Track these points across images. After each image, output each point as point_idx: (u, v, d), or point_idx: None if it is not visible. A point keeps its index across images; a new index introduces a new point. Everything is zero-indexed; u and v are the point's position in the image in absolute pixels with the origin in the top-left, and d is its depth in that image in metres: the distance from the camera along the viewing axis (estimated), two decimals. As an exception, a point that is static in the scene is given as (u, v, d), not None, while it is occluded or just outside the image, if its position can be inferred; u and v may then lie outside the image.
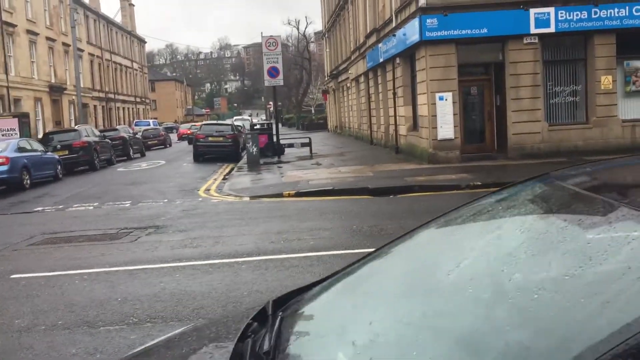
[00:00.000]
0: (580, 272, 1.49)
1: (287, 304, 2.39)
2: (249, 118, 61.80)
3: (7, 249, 9.30)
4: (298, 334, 2.09)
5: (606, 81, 17.42)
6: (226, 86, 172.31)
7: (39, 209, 14.14)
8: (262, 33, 24.88)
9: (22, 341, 5.26)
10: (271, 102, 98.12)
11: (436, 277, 1.97)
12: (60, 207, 14.20)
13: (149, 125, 52.01)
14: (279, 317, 2.22)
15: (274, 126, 26.31)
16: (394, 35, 20.83)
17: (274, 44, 23.73)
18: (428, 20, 17.14)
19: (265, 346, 1.93)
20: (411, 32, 18.32)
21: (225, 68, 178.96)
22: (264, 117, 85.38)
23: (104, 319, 5.71)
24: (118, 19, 61.84)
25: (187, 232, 9.89)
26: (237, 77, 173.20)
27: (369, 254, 2.50)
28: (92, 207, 13.83)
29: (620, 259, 1.46)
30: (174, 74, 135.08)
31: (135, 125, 54.81)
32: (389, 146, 23.99)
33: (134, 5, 69.37)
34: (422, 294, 1.95)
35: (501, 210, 2.17)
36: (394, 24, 21.18)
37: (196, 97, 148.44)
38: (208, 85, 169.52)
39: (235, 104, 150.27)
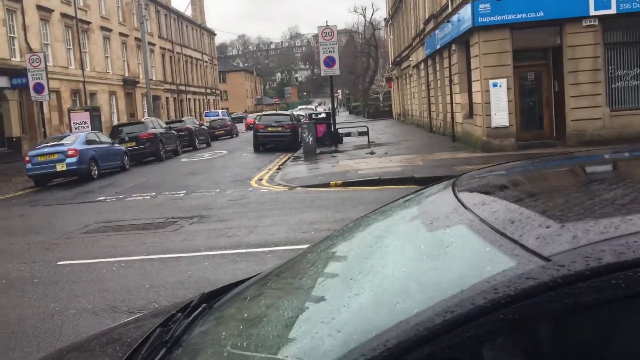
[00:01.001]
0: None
1: (217, 298, 2.58)
2: (313, 107, 62.13)
3: (62, 237, 10.01)
4: (206, 326, 2.28)
5: (673, 63, 16.48)
6: (296, 75, 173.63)
7: (101, 198, 15.01)
8: (327, 22, 25.03)
9: (53, 324, 5.74)
10: (339, 91, 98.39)
11: (318, 275, 2.11)
12: (121, 196, 15.01)
13: (217, 115, 53.54)
14: (200, 309, 2.42)
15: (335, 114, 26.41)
16: (449, 22, 20.50)
17: (330, 33, 23.83)
18: (481, 6, 16.77)
19: (168, 336, 2.14)
20: (464, 17, 17.98)
21: (295, 57, 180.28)
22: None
23: (129, 304, 6.13)
24: (188, 12, 63.66)
25: (227, 221, 10.29)
26: (307, 66, 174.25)
27: (301, 252, 2.66)
28: (148, 197, 14.54)
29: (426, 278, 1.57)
30: (246, 65, 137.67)
31: (205, 115, 56.66)
32: (447, 134, 23.68)
33: (203, -1, 71.20)
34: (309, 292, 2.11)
35: (393, 213, 2.28)
36: (449, 10, 20.85)
37: (267, 86, 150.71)
38: (279, 74, 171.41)
39: (305, 93, 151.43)
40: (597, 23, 16.60)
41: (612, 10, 16.37)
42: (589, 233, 1.42)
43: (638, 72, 17.04)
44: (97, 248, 8.93)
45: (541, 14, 16.59)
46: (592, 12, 16.48)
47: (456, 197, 2.01)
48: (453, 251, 1.65)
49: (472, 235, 1.63)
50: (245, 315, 2.23)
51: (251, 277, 2.68)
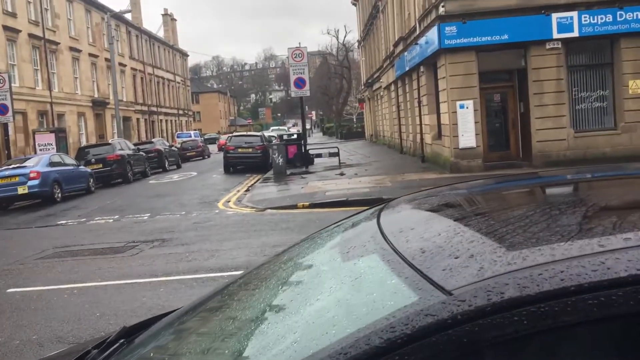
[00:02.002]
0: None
1: (139, 332, 2.42)
2: (286, 128, 62.22)
3: (16, 262, 9.68)
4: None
5: (634, 85, 16.84)
6: (271, 96, 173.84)
7: (63, 222, 14.64)
8: (299, 43, 25.12)
9: (-6, 355, 5.47)
10: (313, 112, 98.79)
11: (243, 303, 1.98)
12: (83, 220, 14.66)
13: (190, 136, 53.18)
14: (117, 344, 2.26)
15: (309, 135, 26.38)
16: (417, 44, 20.72)
17: (300, 55, 23.90)
18: (447, 28, 16.98)
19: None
20: (431, 40, 18.18)
21: (269, 78, 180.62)
22: (307, 126, 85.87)
23: (76, 334, 5.88)
24: (161, 34, 63.46)
25: (188, 245, 10.07)
26: (282, 87, 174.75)
27: (227, 281, 2.53)
28: (111, 220, 14.23)
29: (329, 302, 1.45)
30: (220, 86, 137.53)
31: (177, 137, 56.26)
32: (417, 155, 23.80)
33: (175, 20, 71.09)
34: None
35: (319, 240, 2.17)
36: (417, 32, 21.08)
37: (241, 107, 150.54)
38: (253, 95, 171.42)
39: (280, 114, 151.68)
40: (560, 46, 16.92)
41: (575, 34, 16.71)
42: (495, 264, 1.32)
43: (601, 94, 17.36)
44: (50, 274, 8.63)
45: (506, 36, 16.85)
46: (555, 35, 16.79)
47: (378, 224, 1.91)
48: (360, 284, 1.54)
49: (382, 266, 1.53)
50: (168, 350, 2.09)
51: (177, 310, 2.54)
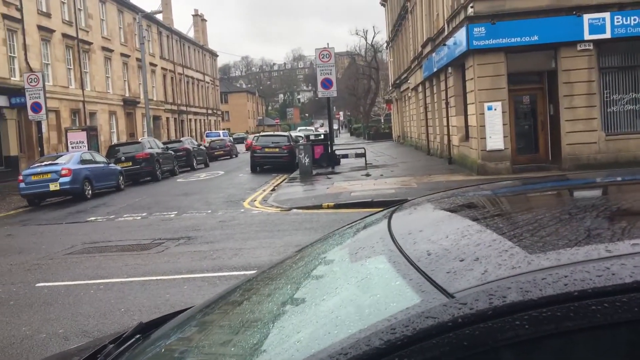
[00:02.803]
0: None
1: (154, 328, 2.47)
2: (313, 128, 62.30)
3: (45, 258, 9.90)
4: (135, 358, 2.17)
5: (668, 88, 16.45)
6: (299, 96, 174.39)
7: (92, 218, 14.91)
8: (327, 44, 25.15)
9: (21, 348, 5.61)
10: (341, 112, 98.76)
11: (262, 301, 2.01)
12: (111, 217, 14.91)
13: (218, 136, 53.72)
14: (133, 340, 2.30)
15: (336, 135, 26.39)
16: (445, 45, 20.56)
17: (327, 55, 23.91)
18: (475, 29, 16.81)
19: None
20: (460, 41, 18.03)
21: (298, 79, 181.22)
22: (335, 127, 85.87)
23: (101, 329, 5.99)
24: (191, 34, 64.15)
25: (213, 243, 10.17)
26: (310, 88, 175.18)
27: (245, 278, 2.56)
28: (139, 218, 14.44)
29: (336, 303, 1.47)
30: (249, 86, 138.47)
31: (206, 136, 56.92)
32: (444, 157, 23.62)
33: (206, 21, 71.76)
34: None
35: (333, 240, 2.18)
36: (446, 33, 20.92)
37: (270, 107, 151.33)
38: (281, 95, 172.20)
39: (307, 114, 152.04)
40: (591, 47, 16.61)
41: (607, 35, 16.39)
42: (500, 268, 1.32)
43: (633, 96, 17.00)
44: (78, 270, 8.80)
45: (536, 38, 16.62)
46: (587, 37, 16.49)
47: (389, 225, 1.92)
48: (366, 284, 1.55)
49: (388, 268, 1.54)
50: (181, 346, 2.13)
51: (192, 307, 2.57)
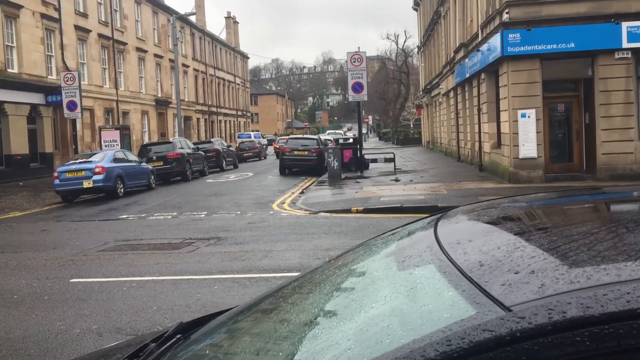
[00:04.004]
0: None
1: (196, 328, 2.49)
2: (342, 132, 62.31)
3: (79, 254, 10.07)
4: (177, 358, 2.19)
5: None
6: (328, 100, 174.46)
7: (124, 216, 15.13)
8: (358, 47, 25.18)
9: (56, 343, 5.71)
10: (369, 116, 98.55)
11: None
12: (143, 215, 15.11)
13: (249, 137, 54.22)
14: (174, 339, 2.33)
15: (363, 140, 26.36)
16: (479, 51, 20.37)
17: (358, 59, 23.90)
18: (510, 35, 16.62)
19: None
20: (494, 47, 17.84)
21: (327, 82, 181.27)
22: (364, 131, 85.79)
23: (134, 325, 6.07)
24: (223, 36, 64.76)
25: (243, 244, 10.23)
26: (339, 91, 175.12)
27: (282, 283, 2.56)
28: (170, 217, 14.60)
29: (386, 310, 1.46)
30: (278, 88, 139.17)
31: (238, 137, 57.58)
32: (474, 163, 23.39)
33: (238, 23, 72.40)
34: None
35: (375, 247, 2.17)
36: (479, 39, 20.73)
37: (298, 110, 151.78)
38: (310, 98, 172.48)
39: (336, 117, 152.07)
40: (629, 56, 16.29)
41: (646, 43, 16.05)
42: (557, 282, 1.29)
43: (672, 106, 16.60)
44: (111, 267, 8.93)
45: (572, 45, 16.36)
46: (625, 45, 16.18)
47: (435, 234, 1.90)
48: (416, 294, 1.53)
49: (438, 278, 1.52)
50: (222, 348, 2.14)
51: (232, 308, 2.59)
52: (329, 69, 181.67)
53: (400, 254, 1.91)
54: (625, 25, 16.03)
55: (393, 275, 1.74)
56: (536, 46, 16.52)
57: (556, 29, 16.36)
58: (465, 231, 1.92)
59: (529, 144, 16.92)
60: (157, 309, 6.58)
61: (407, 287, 1.60)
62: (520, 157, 16.98)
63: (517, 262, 1.45)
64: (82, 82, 27.22)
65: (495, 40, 17.49)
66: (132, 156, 22.16)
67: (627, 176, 16.26)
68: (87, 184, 18.47)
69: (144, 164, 22.31)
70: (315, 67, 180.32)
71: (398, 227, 2.44)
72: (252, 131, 71.79)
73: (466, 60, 23.63)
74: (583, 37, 16.23)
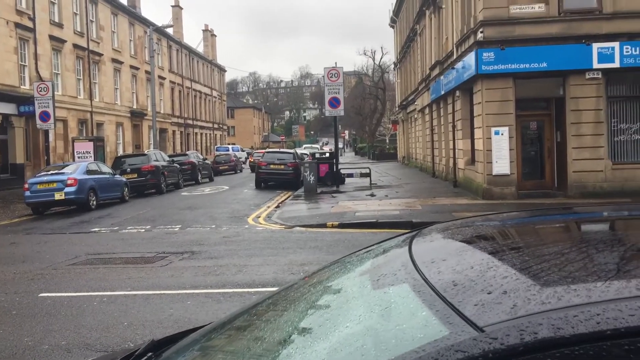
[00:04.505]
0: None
1: (168, 346, 2.45)
2: (318, 146, 62.50)
3: (49, 268, 9.88)
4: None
5: (676, 119, 16.46)
6: (305, 114, 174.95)
7: (96, 229, 14.90)
8: (335, 63, 25.31)
9: (24, 359, 5.57)
10: (346, 131, 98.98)
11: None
12: (115, 228, 14.90)
13: (227, 150, 54.16)
14: (146, 358, 2.29)
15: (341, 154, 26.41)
16: (454, 68, 20.66)
17: (335, 74, 24.02)
18: (484, 54, 16.89)
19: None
20: (469, 65, 18.11)
21: (304, 96, 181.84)
22: (340, 146, 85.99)
23: (104, 342, 5.95)
24: (200, 48, 64.62)
25: (217, 259, 10.14)
26: (316, 106, 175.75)
27: (255, 301, 2.54)
28: (143, 230, 14.43)
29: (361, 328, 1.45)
30: (255, 101, 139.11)
31: (217, 150, 57.50)
32: (449, 179, 23.62)
33: (215, 36, 72.33)
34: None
35: (350, 265, 2.17)
36: (454, 57, 21.03)
37: (275, 124, 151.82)
38: (287, 112, 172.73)
39: (313, 132, 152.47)
40: (600, 76, 16.67)
41: (616, 64, 16.45)
42: (529, 302, 1.31)
43: (641, 126, 17.01)
44: (81, 281, 8.77)
45: (544, 64, 16.69)
46: (596, 65, 16.55)
47: (410, 252, 1.91)
48: (390, 314, 1.53)
49: (413, 297, 1.53)
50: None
51: (205, 325, 2.56)
52: (306, 84, 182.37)
53: (375, 272, 1.91)
54: (595, 46, 16.42)
55: (367, 294, 1.74)
56: (510, 65, 16.81)
57: (529, 49, 16.68)
58: (440, 250, 1.93)
59: (502, 161, 17.16)
60: (128, 325, 6.47)
61: (382, 306, 1.61)
62: (493, 173, 17.19)
63: (489, 282, 1.46)
64: (55, 93, 26.85)
65: (470, 58, 17.76)
66: (106, 168, 21.89)
67: (597, 194, 16.56)
68: (58, 196, 18.17)
69: (117, 176, 22.05)
70: (292, 81, 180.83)
71: (373, 245, 2.45)
72: (230, 144, 71.60)
73: (441, 77, 23.94)
74: (555, 57, 16.57)
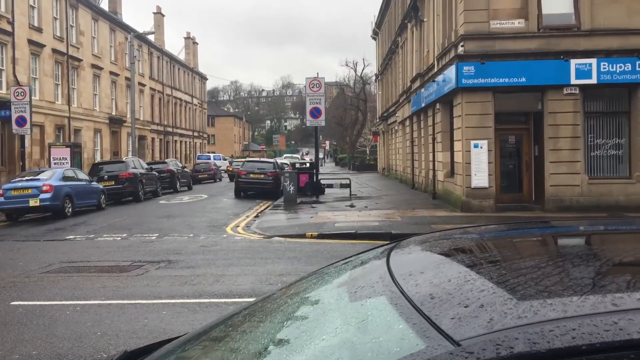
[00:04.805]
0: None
1: (140, 357, 2.40)
2: (298, 156, 62.55)
3: (21, 275, 9.69)
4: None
5: (651, 135, 16.77)
6: (286, 123, 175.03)
7: (71, 237, 14.68)
8: (317, 73, 25.37)
9: (-8, 368, 5.44)
10: (327, 141, 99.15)
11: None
12: (91, 236, 14.69)
13: (209, 159, 54.03)
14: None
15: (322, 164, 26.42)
16: (435, 81, 20.84)
17: (317, 85, 24.08)
18: (465, 68, 17.07)
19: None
20: (449, 78, 18.28)
21: (286, 106, 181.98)
22: (320, 156, 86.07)
23: (77, 352, 5.83)
24: (182, 56, 64.38)
25: (194, 268, 10.04)
26: (297, 115, 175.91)
27: (232, 312, 2.50)
28: (119, 238, 14.25)
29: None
30: (236, 110, 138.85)
31: (198, 158, 57.35)
32: (428, 191, 23.74)
33: (197, 44, 72.12)
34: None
35: (328, 276, 2.15)
36: (435, 70, 21.22)
37: (256, 133, 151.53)
38: (268, 122, 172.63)
39: (293, 142, 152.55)
40: (577, 92, 16.93)
41: (593, 80, 16.72)
42: (506, 317, 1.30)
43: (616, 142, 17.29)
44: (55, 289, 8.61)
45: (523, 79, 16.91)
46: (573, 81, 16.82)
47: (387, 264, 1.90)
48: (367, 326, 1.52)
49: (390, 310, 1.51)
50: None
51: (180, 336, 2.51)
52: (288, 93, 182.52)
53: (353, 284, 1.89)
54: (573, 62, 16.69)
55: (345, 306, 1.72)
56: (489, 79, 17.00)
57: (509, 64, 16.90)
58: (418, 262, 1.92)
59: (481, 174, 17.30)
60: (102, 335, 6.35)
61: (359, 318, 1.59)
62: (472, 186, 17.32)
63: (467, 295, 1.45)
64: (33, 98, 26.51)
65: (451, 71, 17.93)
66: (83, 175, 21.61)
67: (574, 208, 16.78)
68: (33, 203, 17.88)
69: (94, 183, 21.79)
70: (273, 90, 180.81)
71: (351, 256, 2.43)
72: (210, 152, 71.34)
73: (422, 90, 24.12)
74: (534, 72, 16.81)
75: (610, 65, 16.64)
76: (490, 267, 1.70)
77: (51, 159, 26.51)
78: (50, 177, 18.70)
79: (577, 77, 16.81)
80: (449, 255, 1.97)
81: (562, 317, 1.26)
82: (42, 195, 17.95)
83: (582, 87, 16.92)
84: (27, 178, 19.01)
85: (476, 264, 1.77)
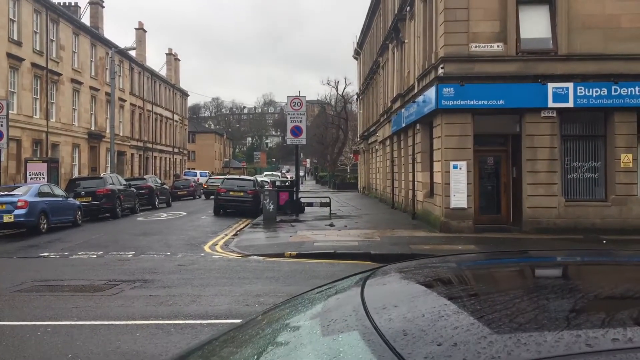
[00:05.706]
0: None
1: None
2: (279, 174, 62.60)
3: (-8, 294, 9.45)
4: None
5: (626, 159, 17.04)
6: (267, 141, 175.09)
7: (45, 254, 14.41)
8: (299, 92, 25.46)
9: (-44, 392, 5.26)
10: (307, 159, 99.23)
11: None
12: (66, 254, 14.43)
13: (195, 176, 53.90)
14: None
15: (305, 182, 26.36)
16: (415, 102, 21.01)
17: (298, 103, 24.15)
18: (444, 89, 17.24)
19: None
20: (429, 99, 18.44)
21: (267, 123, 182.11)
22: (301, 174, 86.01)
23: (46, 375, 5.68)
24: (163, 72, 64.21)
25: (170, 288, 9.88)
26: (279, 133, 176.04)
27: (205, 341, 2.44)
28: (95, 256, 14.02)
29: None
30: (217, 127, 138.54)
31: (185, 175, 57.38)
32: (408, 211, 23.81)
33: (179, 60, 72.03)
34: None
35: (301, 306, 2.10)
36: (415, 90, 21.40)
37: (237, 150, 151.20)
38: (249, 139, 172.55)
39: (274, 159, 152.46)
40: (555, 115, 17.17)
41: (570, 104, 16.99)
42: (479, 357, 1.27)
43: (593, 165, 17.54)
44: (26, 309, 8.40)
45: (502, 102, 17.12)
46: (551, 104, 17.06)
47: (362, 296, 1.86)
48: (338, 364, 1.47)
49: (362, 347, 1.47)
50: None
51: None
52: (269, 111, 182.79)
53: (326, 317, 1.85)
54: (551, 86, 16.95)
55: (316, 341, 1.68)
56: (469, 101, 17.18)
57: (487, 86, 17.11)
58: (392, 295, 1.89)
59: (460, 195, 17.40)
60: (73, 357, 6.19)
61: (330, 355, 1.54)
62: (451, 207, 17.41)
63: (440, 332, 1.42)
64: (10, 112, 26.17)
65: (431, 93, 18.09)
66: (59, 190, 21.30)
67: (551, 230, 16.92)
68: (7, 219, 17.55)
69: (70, 199, 21.49)
70: (255, 108, 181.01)
71: (326, 284, 2.39)
72: (190, 169, 71.07)
73: (403, 110, 24.30)
74: (512, 95, 17.03)
75: (586, 90, 16.93)
76: (465, 301, 1.67)
77: (27, 174, 26.13)
78: (25, 193, 18.39)
79: (554, 101, 17.06)
80: (425, 286, 1.94)
81: (535, 359, 1.23)
82: (17, 211, 17.63)
83: (560, 111, 17.17)
84: (1, 193, 18.67)
85: (452, 297, 1.74)
